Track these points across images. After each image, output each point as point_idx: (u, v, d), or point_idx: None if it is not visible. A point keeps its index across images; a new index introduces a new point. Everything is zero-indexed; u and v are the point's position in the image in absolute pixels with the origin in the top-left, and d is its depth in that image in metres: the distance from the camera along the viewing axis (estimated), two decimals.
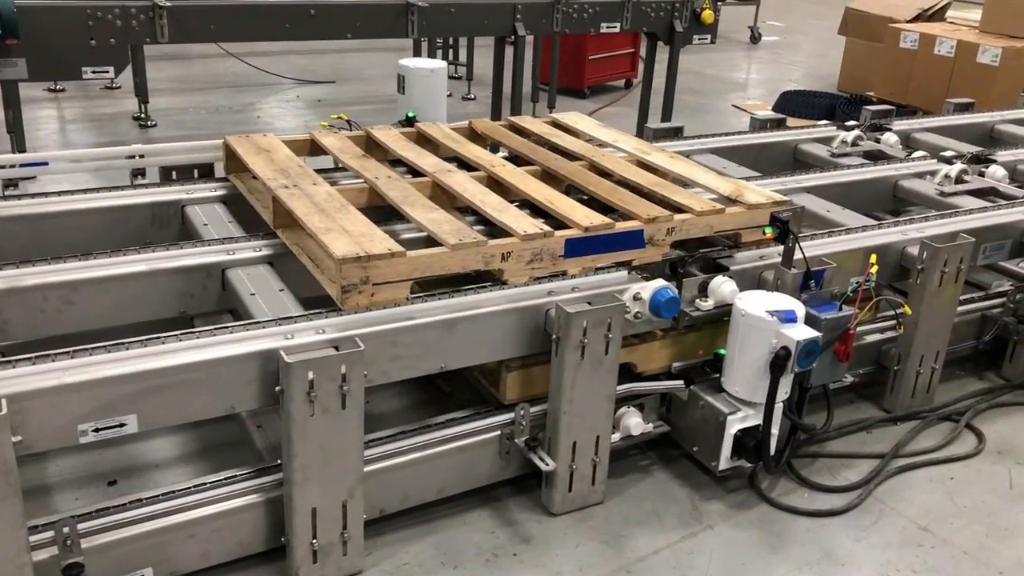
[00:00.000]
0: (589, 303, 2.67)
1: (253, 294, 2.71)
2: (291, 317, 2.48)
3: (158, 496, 2.39)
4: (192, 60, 8.59)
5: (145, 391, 2.20)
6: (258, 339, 2.36)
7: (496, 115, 6.52)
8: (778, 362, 2.70)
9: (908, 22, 8.31)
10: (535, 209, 3.05)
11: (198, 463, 2.94)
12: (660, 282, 2.80)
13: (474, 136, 3.84)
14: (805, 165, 4.47)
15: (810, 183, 3.91)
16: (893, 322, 3.39)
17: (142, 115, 6.68)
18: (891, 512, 2.92)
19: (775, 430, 2.84)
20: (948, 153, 4.44)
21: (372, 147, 3.60)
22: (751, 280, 3.07)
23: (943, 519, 2.91)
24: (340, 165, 3.52)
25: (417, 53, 7.28)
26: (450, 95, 7.11)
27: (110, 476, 2.85)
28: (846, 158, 4.41)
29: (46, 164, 3.35)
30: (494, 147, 3.80)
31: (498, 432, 2.75)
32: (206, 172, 3.53)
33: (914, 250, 3.28)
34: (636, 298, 2.77)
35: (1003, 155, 4.50)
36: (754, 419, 2.84)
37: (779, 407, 2.82)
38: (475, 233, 2.72)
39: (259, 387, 2.33)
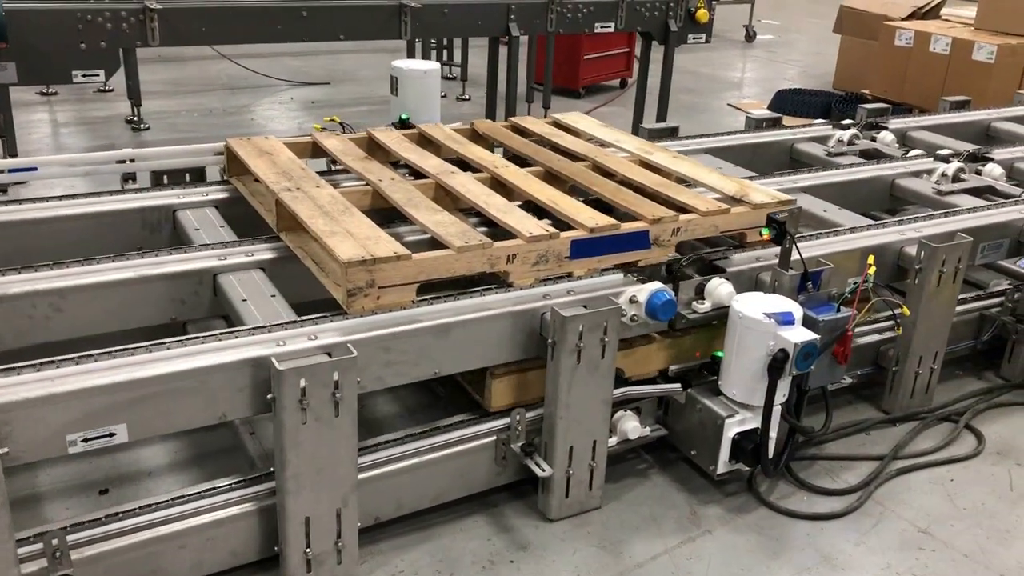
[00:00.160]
0: (585, 306, 2.64)
1: (245, 300, 2.68)
2: (283, 323, 2.45)
3: (150, 506, 2.36)
4: (186, 62, 8.55)
5: (135, 400, 2.17)
6: (249, 346, 2.33)
7: (491, 116, 6.49)
8: (776, 365, 2.67)
9: (903, 20, 8.30)
10: (538, 210, 3.03)
11: (191, 471, 2.91)
12: (656, 284, 2.77)
13: (476, 137, 3.83)
14: (801, 164, 4.45)
15: (807, 183, 3.89)
16: (891, 323, 3.38)
17: (135, 118, 6.64)
18: (891, 515, 2.90)
19: (773, 433, 2.81)
20: (945, 151, 4.43)
21: (374, 149, 3.59)
22: (748, 282, 3.05)
23: (943, 521, 2.88)
24: (341, 167, 3.51)
25: (411, 54, 7.25)
26: (444, 96, 7.10)
27: (102, 485, 2.82)
28: (842, 157, 4.39)
29: (35, 169, 3.31)
30: (495, 148, 3.78)
31: (494, 438, 2.72)
32: (198, 176, 3.51)
33: (912, 250, 3.26)
34: (632, 301, 2.75)
35: (1000, 153, 4.48)
36: (752, 422, 2.81)
37: (777, 410, 2.79)
38: (480, 235, 2.70)
39: (251, 395, 2.30)
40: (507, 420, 2.72)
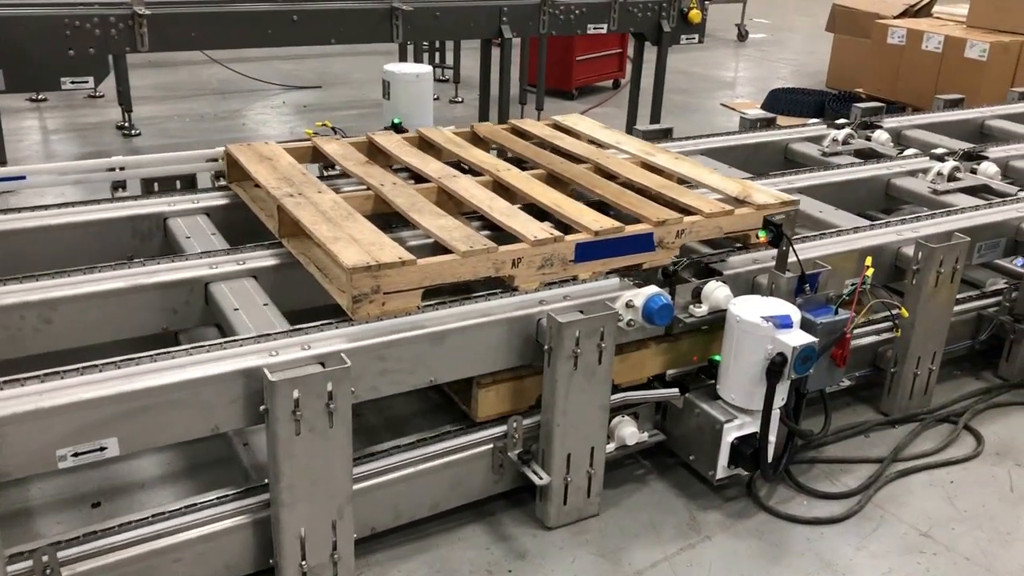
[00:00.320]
0: (581, 312, 2.62)
1: (236, 309, 2.65)
2: (276, 333, 2.42)
3: (144, 519, 2.32)
4: (177, 67, 8.50)
5: (126, 413, 2.14)
6: (241, 357, 2.30)
7: (484, 118, 6.47)
8: (774, 369, 2.65)
9: (895, 18, 8.29)
10: (539, 213, 3.01)
11: (184, 482, 2.88)
12: (653, 289, 2.75)
13: (476, 140, 3.81)
14: (796, 165, 4.43)
15: (802, 183, 3.86)
16: (889, 324, 3.36)
17: (126, 124, 6.60)
18: (891, 518, 2.88)
19: (772, 437, 2.79)
20: (940, 150, 4.41)
21: (374, 153, 3.57)
22: (745, 284, 3.02)
23: (944, 524, 2.86)
24: (336, 172, 3.49)
25: (403, 57, 7.21)
26: (437, 98, 7.07)
27: (94, 498, 2.78)
28: (837, 157, 4.38)
29: (24, 178, 3.28)
30: (493, 150, 3.76)
31: (491, 445, 2.69)
32: (188, 184, 3.47)
33: (909, 250, 3.24)
34: (629, 305, 2.72)
35: (995, 151, 4.47)
36: (751, 426, 2.79)
37: (776, 414, 2.77)
38: (485, 240, 2.68)
39: (243, 406, 2.27)
40: (504, 428, 2.69)
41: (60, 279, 2.68)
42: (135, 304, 2.72)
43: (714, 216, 3.00)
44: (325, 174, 3.60)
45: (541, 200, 3.05)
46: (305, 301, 2.94)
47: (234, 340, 2.38)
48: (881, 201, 4.18)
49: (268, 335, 2.41)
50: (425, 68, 4.18)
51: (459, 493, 2.71)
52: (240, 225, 3.29)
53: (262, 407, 2.23)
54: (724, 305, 2.83)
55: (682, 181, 3.40)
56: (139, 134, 6.59)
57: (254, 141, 3.50)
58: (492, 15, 5.46)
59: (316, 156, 3.55)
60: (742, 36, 11.62)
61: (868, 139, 4.66)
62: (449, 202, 3.10)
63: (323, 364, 2.29)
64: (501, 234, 2.86)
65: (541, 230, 2.76)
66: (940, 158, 4.25)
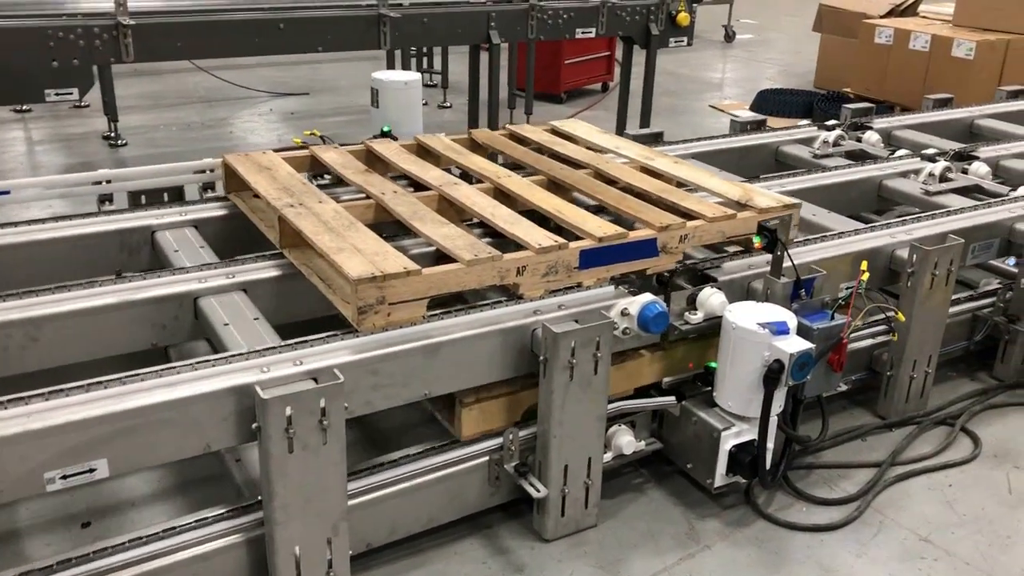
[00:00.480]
0: (576, 321, 2.59)
1: (227, 324, 2.61)
2: (267, 348, 2.38)
3: (137, 540, 2.28)
4: (163, 75, 8.45)
5: (115, 434, 2.10)
6: (232, 374, 2.26)
7: (473, 123, 6.44)
8: (772, 376, 2.62)
9: (882, 17, 8.31)
10: (539, 219, 2.99)
11: (176, 500, 2.84)
12: (648, 296, 2.72)
13: (474, 146, 3.79)
14: (787, 167, 4.42)
15: (794, 186, 3.85)
16: (884, 327, 3.34)
17: (112, 134, 6.54)
18: (891, 523, 2.86)
19: (770, 444, 2.77)
20: (931, 151, 4.41)
21: (372, 160, 3.55)
22: (740, 290, 3.00)
23: (944, 529, 2.84)
24: (328, 181, 3.46)
25: (391, 62, 7.18)
26: (425, 103, 7.04)
27: (84, 517, 2.74)
28: (829, 159, 4.36)
29: (7, 193, 3.23)
30: (493, 157, 3.74)
31: (486, 458, 2.66)
32: (176, 196, 3.43)
33: (903, 253, 3.23)
34: (624, 314, 2.70)
35: (985, 151, 4.47)
36: (748, 434, 2.77)
37: (774, 420, 2.74)
38: (490, 248, 2.66)
39: (235, 424, 2.23)
40: (499, 440, 2.65)
41: (46, 296, 2.64)
42: (123, 320, 2.68)
43: (717, 220, 2.98)
44: (316, 184, 3.56)
45: (543, 207, 3.04)
46: (297, 315, 2.91)
47: (225, 357, 2.34)
48: (873, 203, 4.17)
49: (259, 351, 2.37)
50: (414, 75, 4.16)
51: (455, 507, 2.68)
52: (229, 237, 3.26)
53: (254, 425, 2.19)
54: (719, 312, 2.81)
55: (681, 185, 3.39)
56: (125, 144, 6.54)
57: (242, 149, 3.48)
58: (480, 20, 5.43)
59: (314, 165, 3.52)
60: (729, 37, 11.63)
61: (859, 140, 4.66)
62: (450, 210, 3.08)
63: (316, 380, 2.26)
64: (502, 241, 2.84)
65: (545, 237, 2.74)
66: (931, 159, 4.24)
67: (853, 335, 3.13)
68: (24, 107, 7.15)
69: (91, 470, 2.10)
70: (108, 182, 3.33)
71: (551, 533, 2.72)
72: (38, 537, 2.65)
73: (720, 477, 2.79)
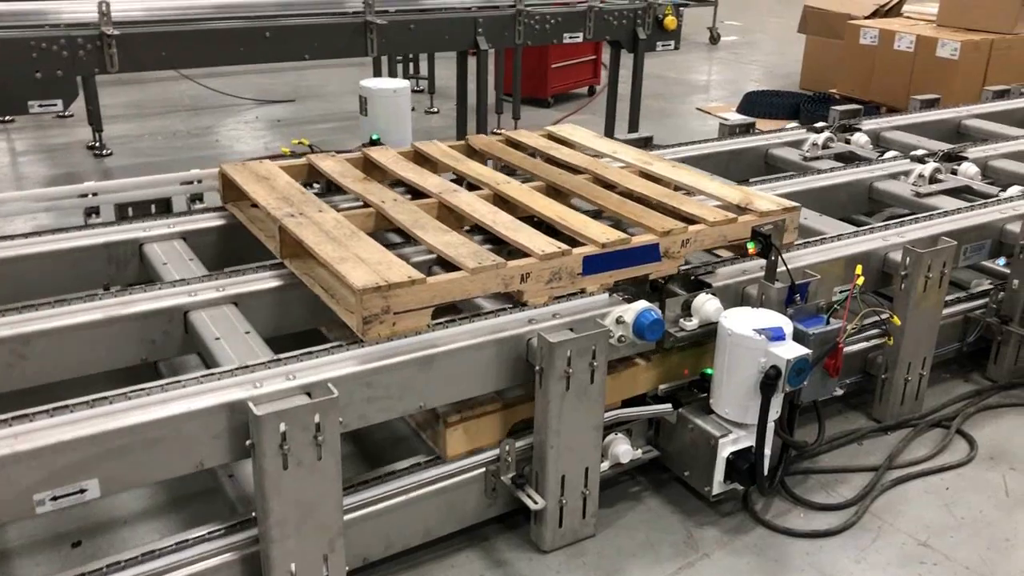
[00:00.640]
0: (572, 330, 2.57)
1: (218, 338, 2.58)
2: (259, 363, 2.35)
3: (131, 560, 2.23)
4: (147, 84, 8.37)
5: (106, 454, 2.06)
6: (224, 390, 2.22)
7: (462, 128, 6.42)
8: (768, 382, 2.61)
9: (866, 18, 8.33)
10: (537, 224, 2.97)
11: (168, 517, 2.80)
12: (643, 304, 2.71)
13: (471, 153, 3.77)
14: (777, 170, 4.42)
15: (785, 190, 3.84)
16: (878, 330, 3.33)
17: (97, 144, 6.48)
18: (889, 528, 2.85)
19: (767, 450, 2.75)
20: (919, 152, 4.41)
21: (370, 168, 3.53)
22: (734, 296, 2.99)
23: (942, 533, 2.83)
24: (320, 189, 3.45)
25: (377, 68, 7.14)
26: (412, 109, 6.99)
27: (74, 536, 2.70)
28: (818, 161, 4.36)
29: None
30: (488, 162, 3.73)
31: (483, 470, 2.63)
32: (164, 207, 3.39)
33: (896, 256, 3.22)
34: (619, 321, 2.68)
35: (974, 151, 4.48)
36: (746, 440, 2.75)
37: (771, 427, 2.73)
38: (493, 255, 2.65)
39: (228, 441, 2.20)
40: (496, 452, 2.63)
41: (33, 312, 2.60)
42: (112, 336, 2.64)
43: (718, 224, 2.98)
44: (306, 187, 3.53)
45: (545, 213, 3.03)
46: (288, 327, 2.88)
47: (216, 372, 2.30)
48: (864, 205, 4.17)
49: (251, 365, 2.34)
50: (402, 83, 4.12)
51: (452, 519, 2.65)
52: (219, 249, 3.23)
53: (248, 441, 2.16)
54: (715, 318, 2.79)
55: (679, 189, 3.38)
56: (111, 154, 6.48)
57: (228, 158, 3.45)
58: (467, 26, 5.41)
59: (312, 173, 3.50)
60: (714, 39, 11.65)
61: (847, 142, 4.66)
62: (450, 217, 3.07)
63: (309, 394, 2.23)
64: (503, 248, 2.84)
65: (548, 244, 2.73)
66: (921, 160, 4.25)
67: (847, 339, 3.12)
68: (7, 117, 7.07)
69: (82, 491, 2.06)
70: (94, 195, 3.29)
71: (549, 544, 2.69)
72: (28, 558, 2.61)
73: (718, 484, 2.77)
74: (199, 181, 3.44)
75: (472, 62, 5.92)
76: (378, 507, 2.49)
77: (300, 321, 2.92)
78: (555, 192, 3.33)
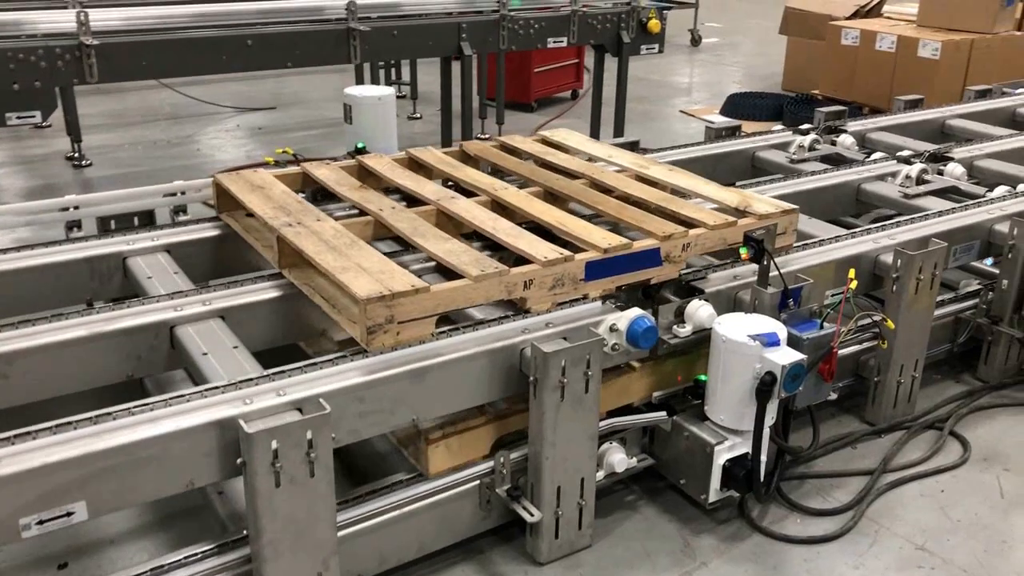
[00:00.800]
0: (565, 338, 2.54)
1: (205, 354, 2.53)
2: (248, 379, 2.30)
3: None
4: (126, 93, 8.29)
5: (93, 475, 2.01)
6: (213, 407, 2.18)
7: (447, 134, 6.38)
8: (764, 388, 2.59)
9: (847, 19, 8.37)
10: (537, 230, 2.94)
11: (156, 536, 2.74)
12: (636, 311, 2.68)
13: (466, 159, 3.74)
14: (764, 172, 4.42)
15: (774, 192, 3.82)
16: (870, 332, 3.32)
17: (76, 154, 6.40)
18: (886, 532, 2.83)
19: (763, 456, 2.73)
20: (906, 153, 4.42)
21: (365, 176, 3.50)
22: (727, 301, 2.97)
23: (939, 536, 2.82)
24: (306, 196, 3.39)
25: (360, 75, 7.10)
26: (396, 115, 6.97)
27: (60, 558, 2.64)
28: (805, 164, 4.36)
29: None
30: (494, 171, 3.70)
31: (477, 482, 2.60)
32: (147, 220, 3.33)
33: (887, 258, 3.22)
34: (613, 329, 2.65)
35: (959, 152, 4.49)
36: (741, 447, 2.73)
37: (767, 433, 2.71)
38: (496, 263, 2.63)
39: (219, 459, 2.15)
40: (491, 464, 2.59)
41: (14, 330, 2.54)
42: (97, 353, 2.58)
43: (718, 228, 2.96)
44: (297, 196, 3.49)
45: (544, 219, 3.02)
46: (278, 341, 2.84)
47: (204, 389, 2.25)
48: (852, 207, 4.17)
49: (240, 381, 2.29)
50: (387, 90, 4.09)
51: (446, 533, 2.62)
52: (205, 262, 3.19)
53: (239, 460, 2.11)
54: (708, 324, 2.77)
55: (676, 192, 3.36)
56: (90, 164, 6.40)
57: (210, 167, 3.41)
58: (451, 32, 5.38)
59: (306, 181, 3.46)
60: (695, 41, 11.67)
61: (833, 143, 4.66)
62: (449, 224, 3.05)
63: (300, 410, 2.19)
64: (504, 254, 2.82)
65: (551, 250, 2.71)
66: (907, 161, 4.25)
67: (840, 343, 3.11)
68: None
69: (69, 514, 2.01)
70: (76, 208, 3.23)
71: (545, 556, 2.66)
72: None
73: (714, 492, 2.75)
74: (182, 193, 3.38)
75: (456, 67, 5.88)
76: (371, 523, 2.45)
77: (290, 334, 2.88)
78: (552, 197, 3.32)
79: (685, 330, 2.81)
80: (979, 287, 3.76)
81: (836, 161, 4.43)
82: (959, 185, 4.09)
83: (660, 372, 2.89)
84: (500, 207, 3.17)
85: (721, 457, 2.72)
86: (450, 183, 3.50)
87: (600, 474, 2.74)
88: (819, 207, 3.87)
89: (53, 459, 1.97)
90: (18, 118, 4.12)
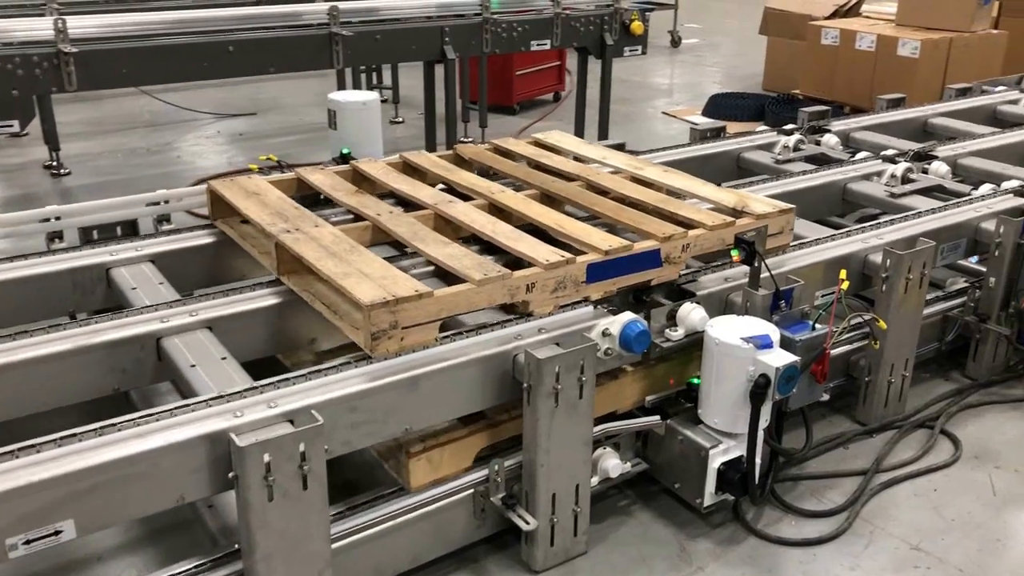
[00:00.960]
0: (558, 344, 2.52)
1: (193, 365, 2.49)
2: (237, 392, 2.26)
3: None
4: (103, 100, 8.20)
5: (81, 493, 1.97)
6: (203, 420, 2.14)
7: (431, 138, 6.34)
8: (758, 391, 2.58)
9: (827, 19, 8.41)
10: (534, 233, 2.92)
11: (145, 551, 2.70)
12: (628, 315, 2.67)
13: (461, 162, 3.72)
14: (750, 173, 4.41)
15: (761, 193, 3.81)
16: (859, 331, 3.32)
17: (54, 163, 6.31)
18: (881, 533, 2.83)
19: (757, 459, 2.72)
20: (890, 152, 4.43)
21: (359, 180, 3.46)
22: (718, 303, 2.96)
23: (934, 536, 2.82)
24: (319, 200, 3.38)
25: (341, 79, 7.06)
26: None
27: None
28: (791, 164, 4.36)
29: None
30: (480, 172, 3.68)
31: (471, 491, 2.57)
32: (130, 230, 3.29)
33: (877, 258, 3.22)
34: (605, 334, 2.63)
35: (943, 150, 4.50)
36: (736, 450, 2.72)
37: (760, 435, 2.70)
38: (498, 266, 2.61)
39: (209, 474, 2.11)
40: (485, 472, 2.57)
41: None
42: (82, 366, 2.53)
43: (717, 228, 2.95)
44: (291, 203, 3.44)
45: (543, 221, 3.00)
46: (267, 351, 2.80)
47: (194, 402, 2.21)
48: (838, 206, 4.18)
49: (230, 393, 2.25)
50: (372, 95, 4.06)
51: (440, 543, 2.59)
52: (190, 272, 3.14)
53: (231, 473, 2.08)
54: (700, 327, 2.76)
55: (672, 193, 3.35)
56: (69, 173, 6.31)
57: (190, 175, 3.36)
58: (434, 36, 5.35)
59: (301, 187, 3.42)
60: (675, 42, 11.70)
61: (818, 143, 4.67)
62: (447, 228, 3.03)
63: (292, 422, 2.15)
64: (503, 258, 2.80)
65: (552, 253, 2.69)
66: (892, 160, 4.27)
67: (832, 343, 3.11)
68: None
69: (57, 532, 1.97)
70: (57, 218, 3.17)
71: (541, 564, 2.64)
72: None
73: (709, 496, 2.73)
74: (166, 202, 3.34)
75: (439, 70, 5.86)
76: (364, 535, 2.42)
77: (280, 344, 2.84)
78: (549, 200, 3.31)
79: (677, 333, 2.79)
80: (966, 285, 3.78)
81: (821, 161, 4.44)
82: (944, 184, 4.10)
83: (653, 376, 2.87)
84: (498, 210, 3.15)
85: (716, 460, 2.70)
86: (443, 187, 3.47)
87: (594, 480, 2.72)
88: (806, 207, 3.87)
89: (39, 478, 1.93)
90: None
